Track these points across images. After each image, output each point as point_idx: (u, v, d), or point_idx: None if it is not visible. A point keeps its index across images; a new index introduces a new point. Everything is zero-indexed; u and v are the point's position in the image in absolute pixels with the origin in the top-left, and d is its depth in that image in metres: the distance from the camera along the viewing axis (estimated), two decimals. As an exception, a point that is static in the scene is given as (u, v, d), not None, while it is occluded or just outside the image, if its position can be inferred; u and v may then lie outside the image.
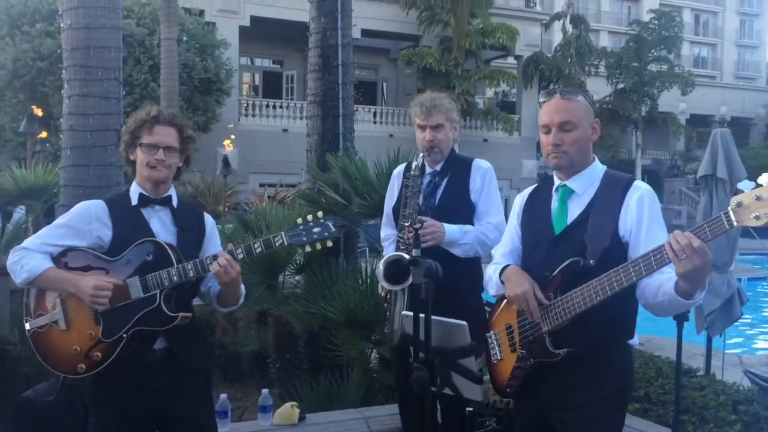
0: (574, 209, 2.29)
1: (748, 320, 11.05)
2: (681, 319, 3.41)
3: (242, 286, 2.56)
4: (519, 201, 2.53)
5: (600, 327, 2.17)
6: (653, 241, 2.05)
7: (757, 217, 1.76)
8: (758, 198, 1.76)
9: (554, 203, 2.35)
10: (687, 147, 34.58)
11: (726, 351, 6.28)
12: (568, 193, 2.31)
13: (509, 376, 2.34)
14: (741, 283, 5.82)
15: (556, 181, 2.36)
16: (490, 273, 2.48)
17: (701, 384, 4.02)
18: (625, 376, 2.31)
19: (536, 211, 2.41)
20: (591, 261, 2.13)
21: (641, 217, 2.19)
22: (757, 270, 17.56)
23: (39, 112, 11.96)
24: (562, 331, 2.18)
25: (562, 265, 2.17)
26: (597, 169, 2.33)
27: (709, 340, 5.65)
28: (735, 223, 1.79)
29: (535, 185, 2.54)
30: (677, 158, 33.81)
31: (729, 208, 1.80)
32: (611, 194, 2.24)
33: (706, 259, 1.86)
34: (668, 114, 30.74)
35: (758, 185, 1.79)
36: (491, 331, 2.44)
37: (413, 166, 3.07)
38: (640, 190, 2.23)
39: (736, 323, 5.72)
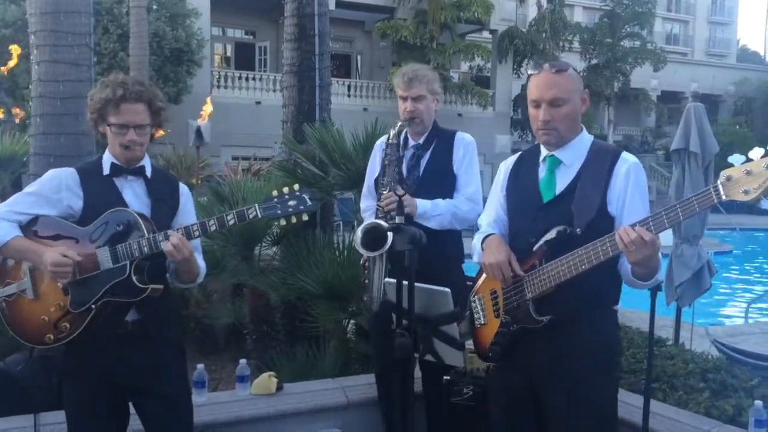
0: (562, 179, 2.29)
1: (714, 293, 11.31)
2: (655, 289, 3.47)
3: (201, 265, 2.48)
4: (503, 169, 2.51)
5: (584, 294, 2.18)
6: (634, 215, 2.08)
7: (746, 192, 1.75)
8: (748, 172, 1.75)
9: (542, 172, 2.34)
10: (657, 123, 34.96)
11: (694, 323, 6.41)
12: (556, 164, 2.31)
13: (492, 341, 2.35)
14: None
15: (543, 152, 2.35)
16: (475, 241, 2.48)
17: (671, 353, 4.10)
18: (612, 341, 2.33)
19: (523, 179, 2.40)
20: (578, 230, 2.15)
21: (626, 190, 2.21)
22: (723, 244, 17.94)
23: (4, 70, 11.46)
24: (546, 298, 2.20)
25: (549, 233, 2.18)
26: (584, 139, 2.32)
27: (679, 311, 5.77)
28: (724, 197, 1.78)
29: (520, 153, 2.52)
30: (648, 134, 34.17)
31: (718, 182, 1.78)
32: (599, 165, 2.24)
33: (655, 248, 1.95)
34: (640, 90, 30.96)
35: (748, 159, 1.77)
36: (476, 296, 2.45)
37: (391, 134, 3.08)
38: (628, 162, 2.24)
39: (703, 296, 5.84)
